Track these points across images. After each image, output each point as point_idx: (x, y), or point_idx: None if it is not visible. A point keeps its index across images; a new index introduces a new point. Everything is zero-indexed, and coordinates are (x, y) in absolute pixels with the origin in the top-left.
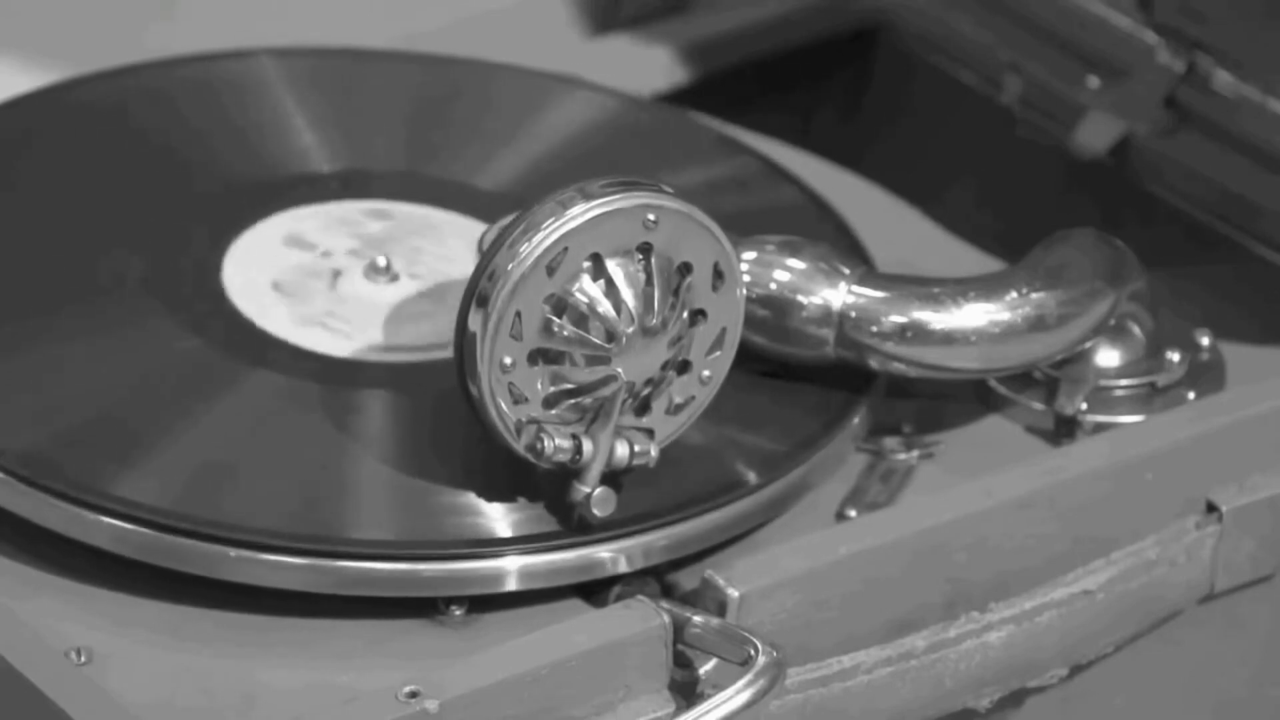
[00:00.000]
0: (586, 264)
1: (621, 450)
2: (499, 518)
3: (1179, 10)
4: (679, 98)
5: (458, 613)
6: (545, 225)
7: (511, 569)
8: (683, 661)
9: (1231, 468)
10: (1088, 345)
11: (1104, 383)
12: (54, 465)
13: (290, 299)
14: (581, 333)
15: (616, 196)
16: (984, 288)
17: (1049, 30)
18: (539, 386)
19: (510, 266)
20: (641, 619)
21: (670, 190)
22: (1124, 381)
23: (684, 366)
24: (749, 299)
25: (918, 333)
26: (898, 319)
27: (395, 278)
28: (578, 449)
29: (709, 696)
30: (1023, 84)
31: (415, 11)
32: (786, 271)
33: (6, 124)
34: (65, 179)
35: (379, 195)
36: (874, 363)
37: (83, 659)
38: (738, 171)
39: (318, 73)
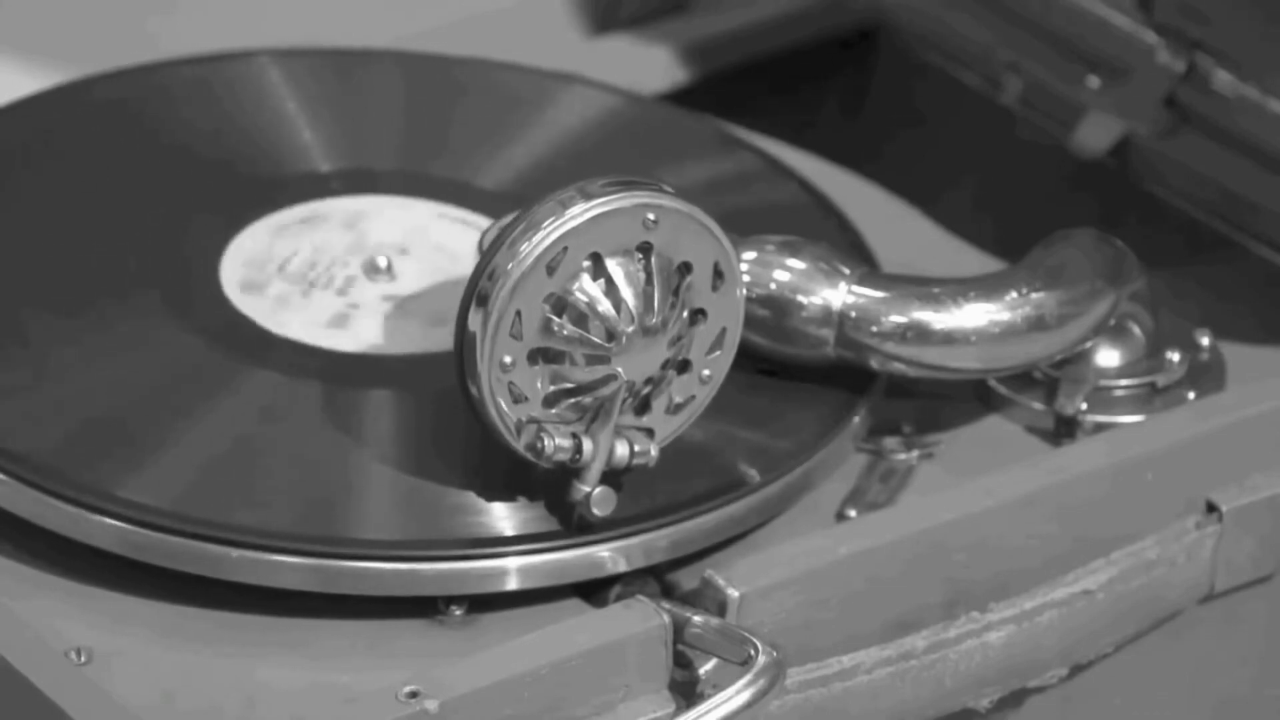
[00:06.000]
0: (586, 263)
1: (621, 450)
2: (499, 517)
3: (1179, 10)
4: (679, 98)
5: (458, 613)
6: (545, 225)
7: (511, 569)
8: (683, 661)
9: (1231, 468)
10: (1088, 345)
11: (1104, 383)
12: (54, 465)
13: (290, 298)
14: (581, 332)
15: (616, 196)
16: (984, 288)
17: (1049, 30)
18: (539, 386)
19: (510, 266)
20: (641, 619)
21: (670, 190)
22: (1124, 381)
23: (684, 366)
24: (749, 299)
25: (918, 333)
26: (898, 319)
27: (394, 277)
28: (578, 448)
29: (709, 696)
30: (1023, 84)
31: (415, 11)
32: (786, 271)
33: (6, 127)
34: (65, 179)
35: (379, 194)
36: (874, 363)
37: (83, 659)
38: (738, 170)
39: (318, 72)
